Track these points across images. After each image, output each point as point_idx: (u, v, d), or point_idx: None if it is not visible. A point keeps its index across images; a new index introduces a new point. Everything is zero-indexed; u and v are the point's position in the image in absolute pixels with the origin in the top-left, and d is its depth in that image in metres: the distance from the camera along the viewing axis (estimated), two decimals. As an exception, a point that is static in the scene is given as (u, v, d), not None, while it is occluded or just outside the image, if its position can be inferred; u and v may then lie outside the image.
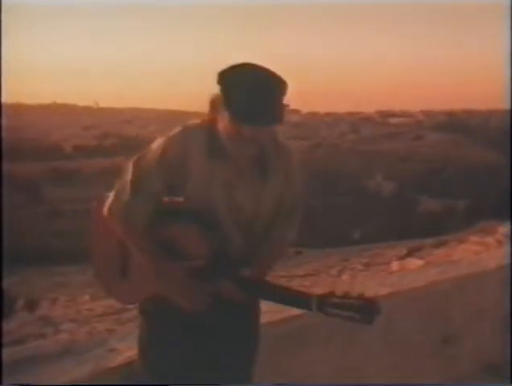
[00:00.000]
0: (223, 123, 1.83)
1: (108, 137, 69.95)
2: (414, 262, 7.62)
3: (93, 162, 53.23)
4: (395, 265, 8.18)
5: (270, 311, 2.85)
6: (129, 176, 1.91)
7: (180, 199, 1.94)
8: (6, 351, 2.52)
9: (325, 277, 10.13)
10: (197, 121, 1.94)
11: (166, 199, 1.95)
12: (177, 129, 1.92)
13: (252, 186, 1.95)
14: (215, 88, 1.83)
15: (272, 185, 1.97)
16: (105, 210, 1.94)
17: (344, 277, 9.30)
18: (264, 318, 2.68)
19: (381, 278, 4.51)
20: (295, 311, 2.87)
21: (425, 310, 3.32)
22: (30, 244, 30.24)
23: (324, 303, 1.82)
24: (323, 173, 43.81)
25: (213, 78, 1.82)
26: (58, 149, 63.72)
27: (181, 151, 1.88)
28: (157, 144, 1.92)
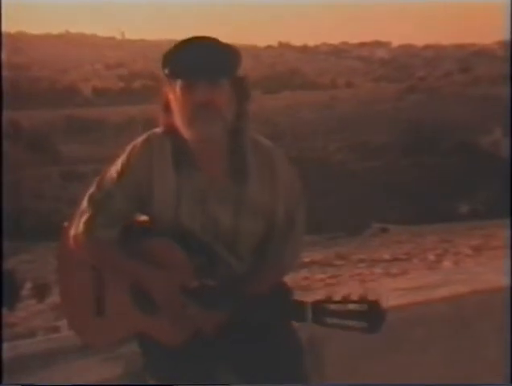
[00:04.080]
0: (175, 102, 2.10)
1: (137, 78, 70.84)
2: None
3: (119, 109, 54.14)
4: (520, 249, 8.02)
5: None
6: (90, 197, 2.20)
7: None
8: (9, 347, 2.61)
9: (418, 262, 9.96)
10: (161, 128, 2.20)
11: (139, 218, 2.24)
12: (141, 138, 2.19)
13: (227, 195, 2.17)
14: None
15: (252, 192, 2.18)
16: (71, 241, 2.21)
17: (446, 263, 9.15)
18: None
19: (498, 265, 4.43)
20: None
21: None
22: (42, 213, 31.24)
23: (321, 312, 1.96)
24: (418, 125, 43.09)
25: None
26: (74, 92, 65.08)
27: (146, 163, 2.16)
28: (120, 159, 2.19)
